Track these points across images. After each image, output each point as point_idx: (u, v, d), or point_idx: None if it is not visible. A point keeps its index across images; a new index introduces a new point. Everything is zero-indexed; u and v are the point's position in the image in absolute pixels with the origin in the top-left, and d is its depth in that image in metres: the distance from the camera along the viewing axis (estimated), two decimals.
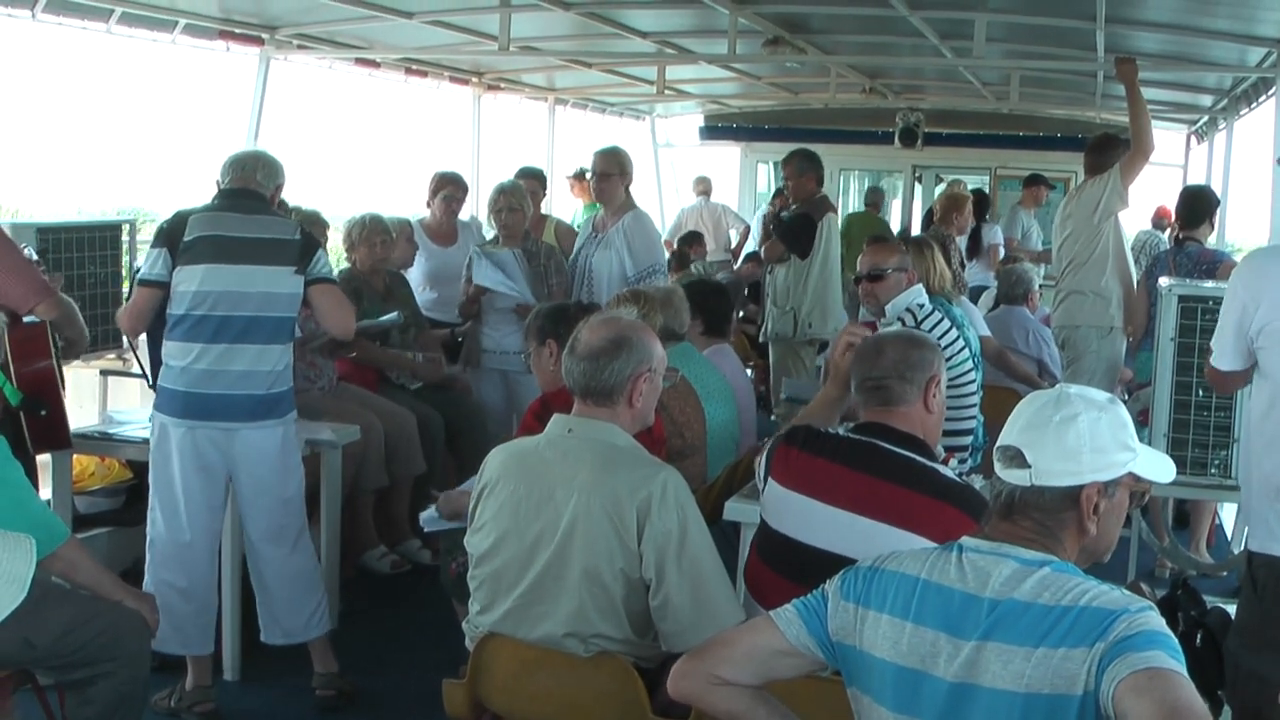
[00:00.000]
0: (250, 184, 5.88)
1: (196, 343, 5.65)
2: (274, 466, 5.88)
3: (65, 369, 6.01)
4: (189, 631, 5.85)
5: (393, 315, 7.84)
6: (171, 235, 5.70)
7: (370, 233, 8.00)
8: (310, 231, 6.09)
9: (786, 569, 4.05)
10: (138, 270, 6.32)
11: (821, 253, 9.39)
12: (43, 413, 5.68)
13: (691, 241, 14.71)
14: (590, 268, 8.40)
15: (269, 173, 5.97)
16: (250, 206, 5.82)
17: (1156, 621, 2.60)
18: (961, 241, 12.23)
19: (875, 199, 17.47)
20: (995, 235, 13.99)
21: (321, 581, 6.17)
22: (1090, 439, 2.80)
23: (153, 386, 6.03)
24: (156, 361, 5.98)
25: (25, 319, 5.74)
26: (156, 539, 5.85)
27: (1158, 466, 2.96)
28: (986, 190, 17.11)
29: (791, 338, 9.37)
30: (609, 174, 8.45)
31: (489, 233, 8.95)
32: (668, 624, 3.89)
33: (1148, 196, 15.79)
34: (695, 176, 17.87)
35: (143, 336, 6.32)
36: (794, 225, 9.47)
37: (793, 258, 9.40)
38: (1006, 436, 2.88)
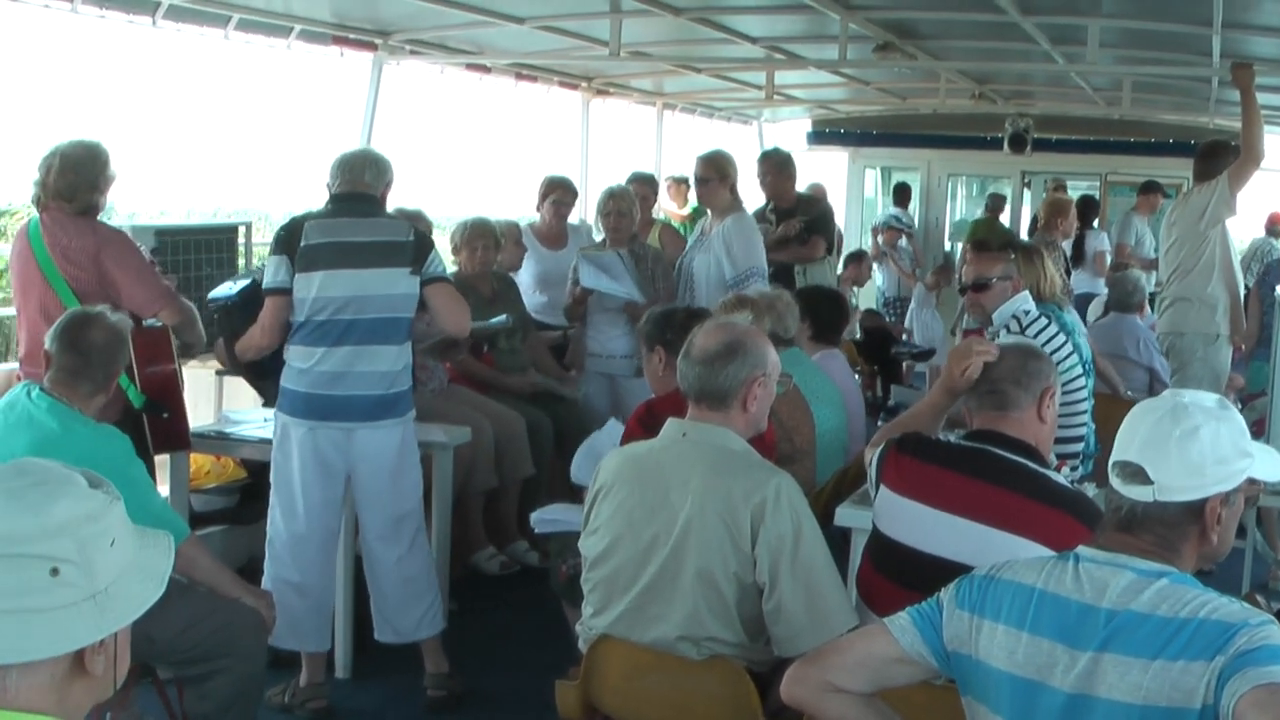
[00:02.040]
0: (359, 186, 5.92)
1: (319, 346, 5.74)
2: (392, 466, 5.94)
3: (184, 370, 6.12)
4: (305, 628, 5.94)
5: (501, 318, 7.90)
6: (289, 242, 5.78)
7: (473, 236, 8.07)
8: (423, 232, 6.14)
9: (899, 575, 4.04)
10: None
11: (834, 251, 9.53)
12: (164, 415, 5.79)
13: (853, 260, 14.76)
14: (692, 271, 8.40)
15: (376, 172, 5.99)
16: (363, 210, 5.88)
17: (1278, 635, 2.57)
18: (1067, 246, 12.14)
19: (996, 204, 17.42)
20: (1102, 242, 13.83)
21: (435, 582, 6.20)
22: (1212, 451, 2.77)
23: (262, 394, 6.12)
24: (275, 365, 6.06)
25: (146, 323, 5.87)
26: (275, 536, 5.95)
27: (1272, 466, 2.93)
28: (1096, 196, 16.89)
29: None
30: (707, 179, 8.44)
31: (598, 236, 8.99)
32: (780, 628, 3.90)
33: (1262, 203, 15.57)
34: (810, 184, 17.82)
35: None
36: (825, 223, 9.59)
37: (826, 257, 9.50)
38: (1124, 451, 2.84)
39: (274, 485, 5.98)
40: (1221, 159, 8.52)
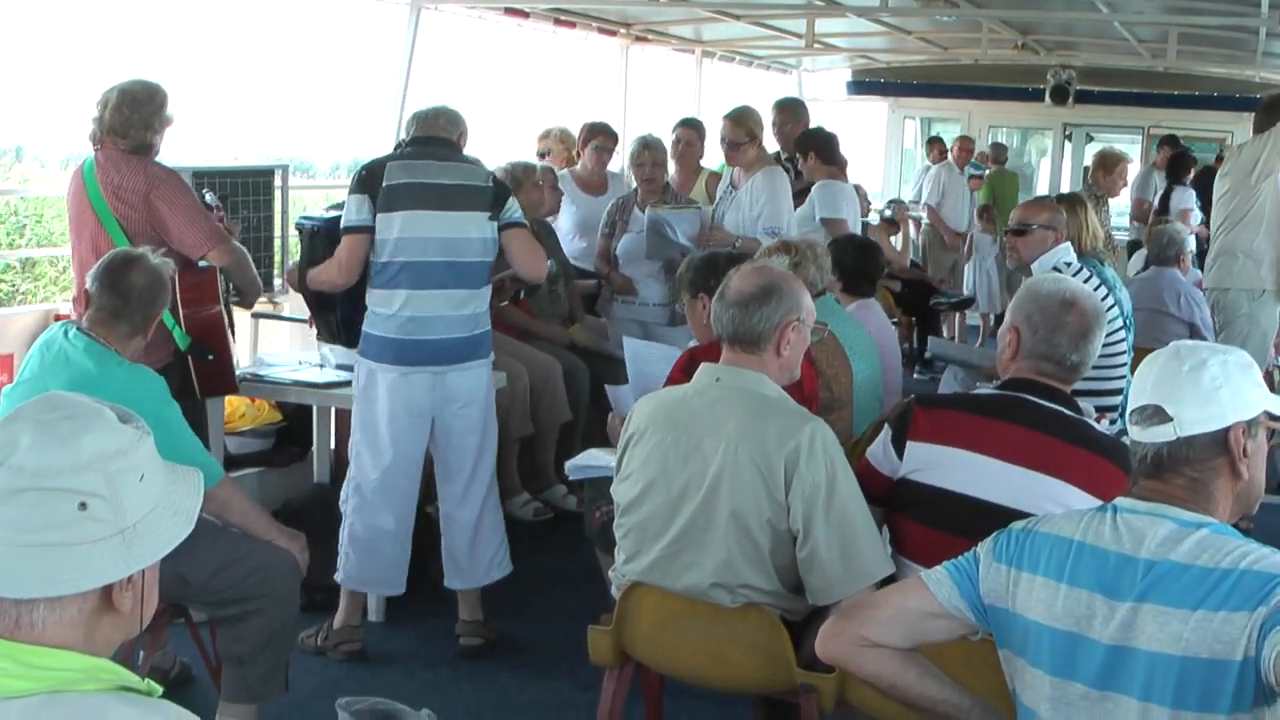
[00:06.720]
0: (437, 131, 5.97)
1: (401, 289, 5.76)
2: (481, 406, 6.03)
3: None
4: (394, 571, 6.02)
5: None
6: (371, 182, 5.78)
7: (529, 175, 7.95)
8: (501, 178, 6.16)
9: (943, 521, 3.93)
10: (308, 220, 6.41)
11: None
12: (209, 357, 5.80)
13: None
14: (723, 226, 8.31)
15: (452, 119, 6.06)
16: (444, 154, 5.92)
17: None
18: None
19: (998, 154, 17.37)
20: (1188, 199, 13.38)
21: (504, 524, 6.27)
22: (1225, 379, 2.75)
23: (321, 336, 6.10)
24: (349, 311, 6.06)
25: (198, 264, 5.86)
26: (364, 484, 5.96)
27: None
28: (1193, 151, 16.24)
29: None
30: (738, 142, 8.30)
31: (632, 184, 8.91)
32: (815, 577, 3.87)
33: None
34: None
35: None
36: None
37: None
38: (1139, 397, 2.82)
39: (361, 432, 5.99)
40: None
